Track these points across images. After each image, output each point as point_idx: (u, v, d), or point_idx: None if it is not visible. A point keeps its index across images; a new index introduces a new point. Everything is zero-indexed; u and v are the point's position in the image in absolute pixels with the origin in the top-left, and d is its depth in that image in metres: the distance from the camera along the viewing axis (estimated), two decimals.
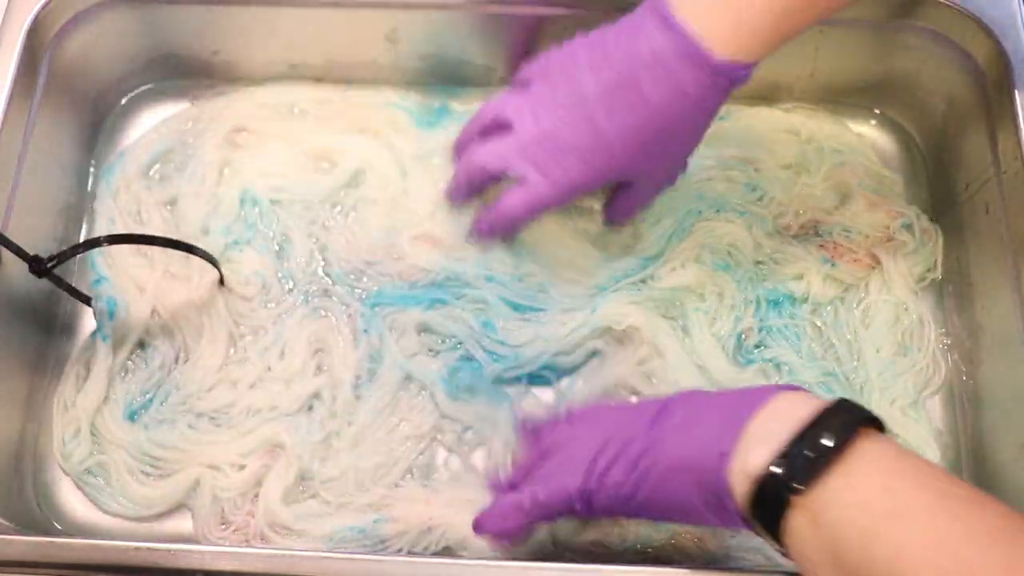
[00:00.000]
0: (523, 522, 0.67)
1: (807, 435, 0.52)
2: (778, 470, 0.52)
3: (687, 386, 0.79)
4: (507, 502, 0.68)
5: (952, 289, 0.86)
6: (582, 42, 0.72)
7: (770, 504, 0.53)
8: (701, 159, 0.88)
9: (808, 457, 0.52)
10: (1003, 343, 0.79)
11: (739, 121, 0.92)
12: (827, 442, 0.52)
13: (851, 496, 0.50)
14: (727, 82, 0.66)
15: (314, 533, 0.75)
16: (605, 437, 0.64)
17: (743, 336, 0.83)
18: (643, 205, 0.81)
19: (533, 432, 0.74)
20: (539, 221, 0.85)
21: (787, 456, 0.52)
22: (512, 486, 0.71)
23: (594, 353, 0.83)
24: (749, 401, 0.57)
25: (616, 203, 0.80)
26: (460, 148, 0.81)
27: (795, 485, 0.51)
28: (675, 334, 0.82)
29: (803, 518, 0.52)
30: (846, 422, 0.53)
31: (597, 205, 0.86)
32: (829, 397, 0.55)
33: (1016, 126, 0.79)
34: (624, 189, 0.78)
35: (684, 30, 0.65)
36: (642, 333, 0.82)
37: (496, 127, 0.75)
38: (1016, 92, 0.79)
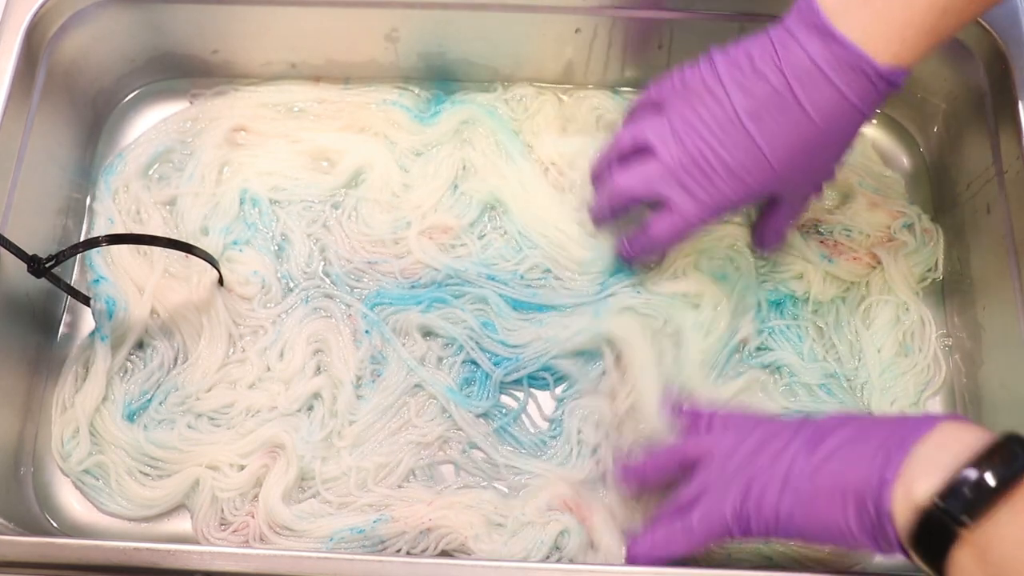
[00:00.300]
0: (686, 549, 0.67)
1: (977, 467, 0.51)
2: (945, 502, 0.51)
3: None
4: (676, 529, 0.67)
5: (953, 289, 0.86)
6: (721, 58, 0.70)
7: (935, 536, 0.51)
8: None
9: (978, 490, 0.50)
10: (1004, 343, 0.79)
11: None
12: (997, 476, 0.50)
13: (1021, 534, 0.49)
14: (888, 88, 0.66)
15: (314, 534, 0.75)
16: (759, 456, 0.63)
17: (742, 344, 0.83)
18: (793, 220, 0.80)
19: (680, 433, 0.73)
20: (537, 207, 0.86)
21: (955, 488, 0.51)
22: (669, 512, 0.69)
23: (591, 359, 0.82)
24: (913, 428, 0.56)
25: (767, 224, 0.80)
26: (597, 173, 0.81)
27: (963, 518, 0.50)
28: (668, 359, 0.81)
29: (969, 553, 0.50)
30: (1017, 456, 0.51)
31: (574, 175, 0.87)
32: (996, 432, 0.54)
33: (1017, 126, 0.78)
34: (773, 207, 0.77)
35: (845, 38, 0.64)
36: (636, 357, 0.81)
37: (635, 151, 0.75)
38: (1017, 92, 0.79)
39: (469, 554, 0.74)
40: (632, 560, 0.70)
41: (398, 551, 0.74)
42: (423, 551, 0.75)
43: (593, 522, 0.76)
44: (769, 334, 0.83)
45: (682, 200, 0.72)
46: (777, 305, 0.85)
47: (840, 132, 0.69)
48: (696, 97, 0.71)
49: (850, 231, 0.86)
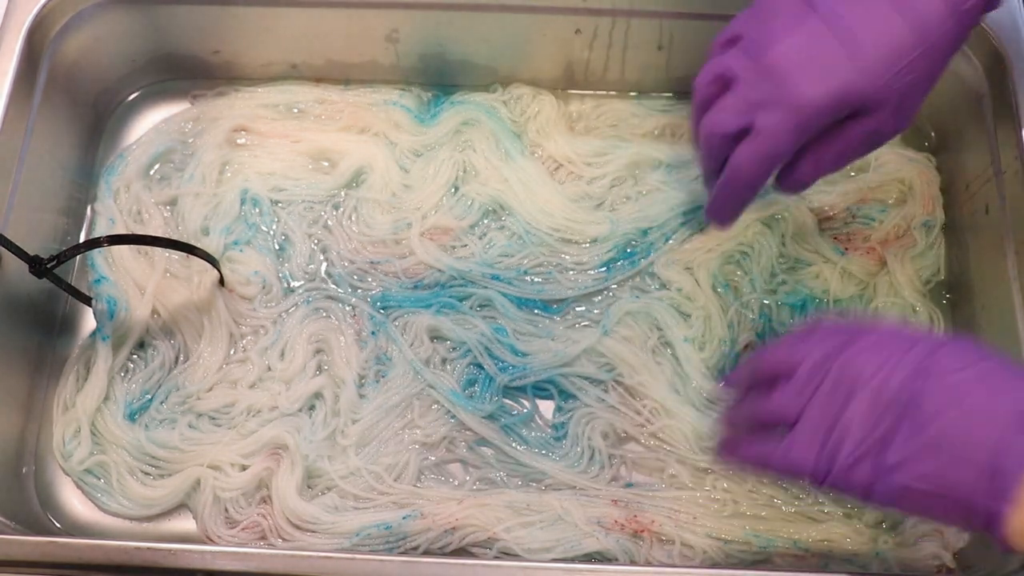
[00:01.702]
0: (760, 471, 0.63)
1: None
2: None
3: (673, 420, 0.79)
4: (754, 453, 0.61)
5: (952, 289, 0.86)
6: None
7: None
8: None
9: None
10: (1003, 343, 0.79)
11: None
12: None
13: None
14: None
15: (339, 528, 0.75)
16: (852, 403, 0.55)
17: (747, 347, 0.83)
18: (878, 143, 0.66)
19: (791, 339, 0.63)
20: (543, 201, 0.87)
21: None
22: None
23: (598, 382, 0.82)
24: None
25: (849, 134, 0.65)
26: (695, 131, 0.70)
27: None
28: (669, 371, 0.82)
29: None
30: None
31: (588, 172, 0.89)
32: None
33: (1016, 126, 0.79)
34: (856, 120, 0.64)
35: None
36: (644, 378, 0.81)
37: (721, 88, 0.65)
38: (1016, 93, 0.79)
39: (494, 548, 0.75)
40: (721, 454, 0.66)
41: (415, 548, 0.75)
42: (441, 548, 0.75)
43: (656, 525, 0.76)
44: None
45: (762, 119, 0.62)
46: (801, 308, 0.85)
47: (934, 37, 0.61)
48: (768, 6, 0.64)
49: (872, 220, 0.87)
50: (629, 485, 0.79)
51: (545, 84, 0.94)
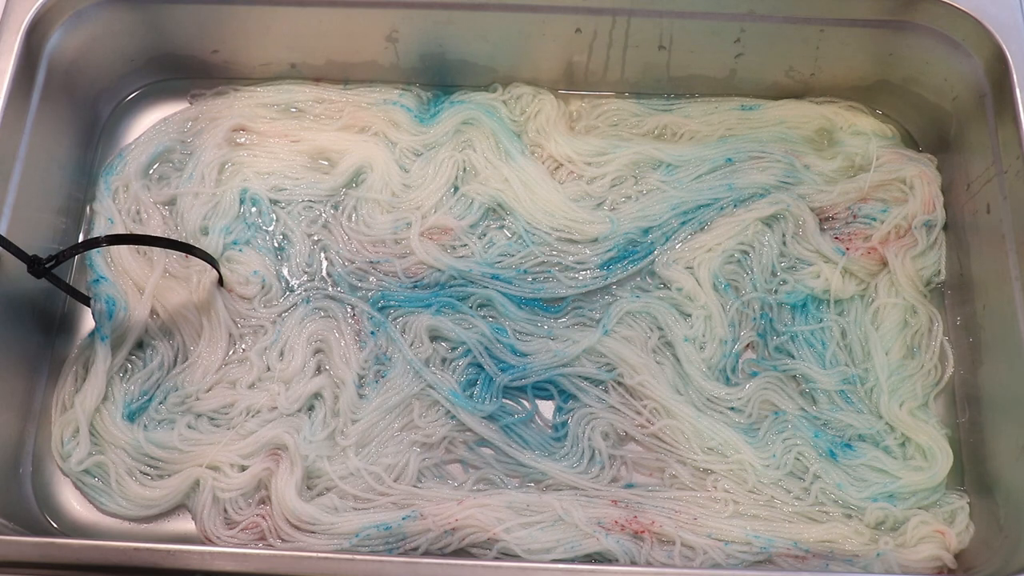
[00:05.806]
0: None
1: None
2: None
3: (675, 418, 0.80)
4: None
5: (952, 289, 0.86)
6: None
7: None
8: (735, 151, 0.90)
9: None
10: (1003, 343, 0.79)
11: (770, 112, 0.93)
12: None
13: None
14: None
15: (339, 529, 0.75)
16: None
17: (748, 348, 0.84)
18: None
19: None
20: (544, 201, 0.87)
21: None
22: None
23: (598, 383, 0.83)
24: None
25: None
26: None
27: None
28: (670, 372, 0.82)
29: None
30: None
31: (588, 171, 0.89)
32: None
33: (1017, 126, 0.78)
34: None
35: None
36: (644, 378, 0.82)
37: None
38: (1017, 92, 0.79)
39: (491, 548, 0.75)
40: None
41: (415, 549, 0.74)
42: (441, 549, 0.75)
43: (657, 526, 0.76)
44: (791, 339, 0.84)
45: None
46: (801, 308, 0.85)
47: None
48: None
49: (874, 219, 0.87)
50: (630, 486, 0.79)
51: (545, 84, 0.94)
